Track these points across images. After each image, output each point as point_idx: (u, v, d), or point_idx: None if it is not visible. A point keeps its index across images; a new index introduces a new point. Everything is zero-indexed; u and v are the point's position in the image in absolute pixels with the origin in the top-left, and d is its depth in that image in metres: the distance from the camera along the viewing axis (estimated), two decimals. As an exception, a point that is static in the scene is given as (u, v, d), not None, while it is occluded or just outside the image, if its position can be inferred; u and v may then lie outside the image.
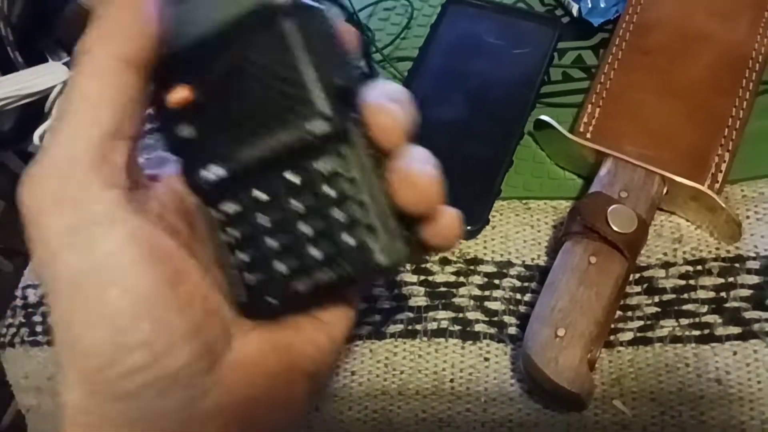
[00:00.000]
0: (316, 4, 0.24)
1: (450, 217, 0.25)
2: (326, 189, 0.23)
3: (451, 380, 0.41)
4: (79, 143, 0.22)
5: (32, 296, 0.58)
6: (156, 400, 0.22)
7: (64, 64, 1.04)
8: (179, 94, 0.24)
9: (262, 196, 0.24)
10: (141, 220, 0.22)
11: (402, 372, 0.42)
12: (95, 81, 0.22)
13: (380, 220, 0.23)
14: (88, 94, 0.22)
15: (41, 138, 0.97)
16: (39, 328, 0.56)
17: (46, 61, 1.05)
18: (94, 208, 0.21)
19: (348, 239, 0.23)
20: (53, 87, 0.99)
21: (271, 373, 0.25)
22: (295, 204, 0.24)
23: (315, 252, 0.23)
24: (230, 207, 0.25)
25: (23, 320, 0.57)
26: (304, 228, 0.23)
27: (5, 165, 1.00)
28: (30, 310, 0.58)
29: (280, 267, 0.24)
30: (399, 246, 0.23)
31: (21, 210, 0.22)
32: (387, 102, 0.24)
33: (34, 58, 1.05)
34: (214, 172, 0.24)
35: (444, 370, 0.42)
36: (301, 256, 0.24)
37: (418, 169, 0.23)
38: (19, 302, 0.59)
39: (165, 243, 0.23)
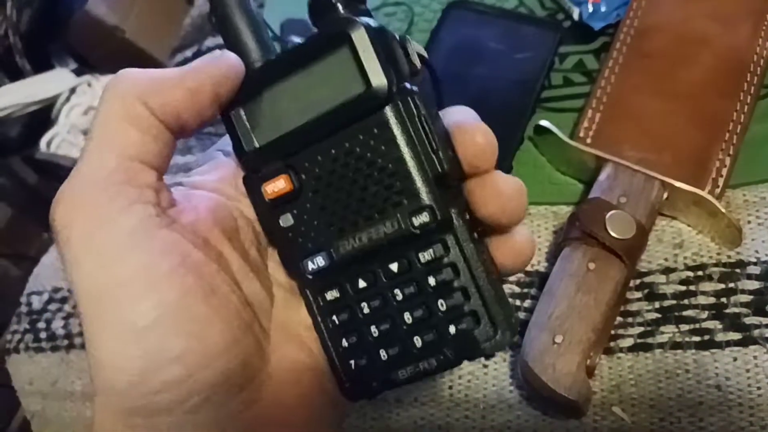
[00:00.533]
0: (414, 87, 0.23)
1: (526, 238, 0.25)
2: (429, 278, 0.23)
3: (450, 387, 0.41)
4: (104, 163, 0.22)
5: (36, 303, 0.59)
6: (188, 416, 0.21)
7: (72, 71, 1.05)
8: (278, 185, 0.24)
9: (363, 285, 0.24)
10: (171, 234, 0.22)
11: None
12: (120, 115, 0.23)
13: (484, 306, 0.23)
14: (110, 123, 0.23)
15: (48, 144, 0.98)
16: (43, 335, 0.56)
17: (53, 67, 1.06)
18: (121, 223, 0.21)
19: (451, 328, 0.23)
20: (60, 94, 1.00)
21: (304, 395, 0.25)
22: (397, 293, 0.24)
23: (417, 341, 0.24)
24: (332, 295, 0.25)
25: (28, 327, 0.58)
26: (406, 317, 0.24)
27: (13, 171, 1.01)
28: (35, 316, 0.58)
29: (382, 355, 0.24)
30: (504, 329, 0.23)
31: (53, 228, 0.22)
32: (469, 123, 0.24)
33: (42, 65, 1.06)
34: (315, 262, 0.24)
35: (443, 377, 0.42)
36: (402, 345, 0.24)
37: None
38: (24, 309, 0.59)
39: (195, 256, 0.23)
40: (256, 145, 0.25)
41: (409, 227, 0.23)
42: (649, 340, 0.40)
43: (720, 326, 0.39)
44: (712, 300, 0.40)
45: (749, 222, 0.42)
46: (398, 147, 0.23)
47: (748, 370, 0.38)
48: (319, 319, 0.25)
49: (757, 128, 0.44)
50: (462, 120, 0.24)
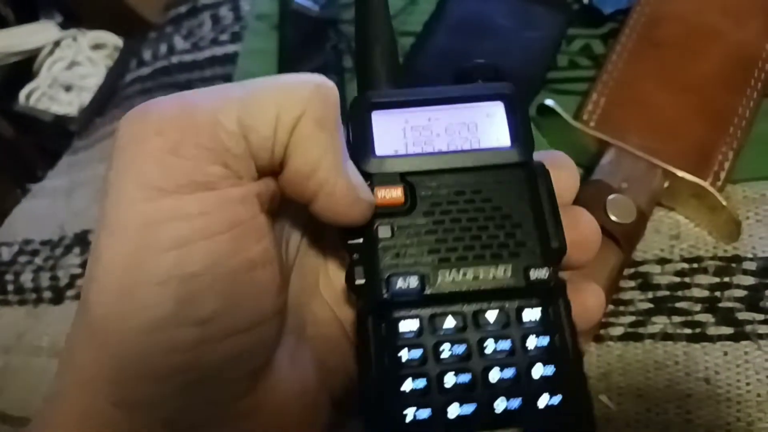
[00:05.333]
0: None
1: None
2: (529, 339, 0.21)
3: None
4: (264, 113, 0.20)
5: (6, 254, 0.56)
6: (181, 391, 0.19)
7: (58, 24, 1.01)
8: (391, 193, 0.22)
9: (450, 326, 0.21)
10: (247, 192, 0.20)
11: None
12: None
13: (573, 390, 0.21)
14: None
15: (27, 97, 0.94)
16: (10, 287, 0.54)
17: (38, 19, 1.02)
18: (205, 168, 0.19)
19: (542, 400, 0.21)
20: (43, 46, 0.96)
21: (307, 398, 0.23)
22: (488, 345, 0.21)
23: (500, 403, 0.21)
24: (408, 326, 0.21)
25: (-5, 278, 0.55)
26: (493, 374, 0.21)
27: (-11, 123, 0.97)
28: (3, 268, 0.56)
29: (451, 411, 0.20)
30: (587, 424, 0.21)
31: (131, 123, 0.19)
32: (562, 160, 0.24)
33: (27, 16, 1.02)
34: (407, 281, 0.21)
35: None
36: (481, 405, 0.21)
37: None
38: (-9, 259, 0.57)
39: (261, 223, 0.21)
40: (377, 153, 0.23)
41: (523, 279, 0.22)
42: (640, 330, 0.39)
43: (712, 320, 0.39)
44: (706, 293, 0.40)
45: (747, 218, 0.42)
46: (532, 207, 0.22)
47: (738, 365, 0.37)
48: (375, 351, 0.21)
49: (762, 125, 0.44)
50: (557, 157, 0.24)
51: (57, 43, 0.97)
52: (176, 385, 0.19)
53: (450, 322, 0.21)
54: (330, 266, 0.26)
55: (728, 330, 0.38)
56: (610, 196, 0.39)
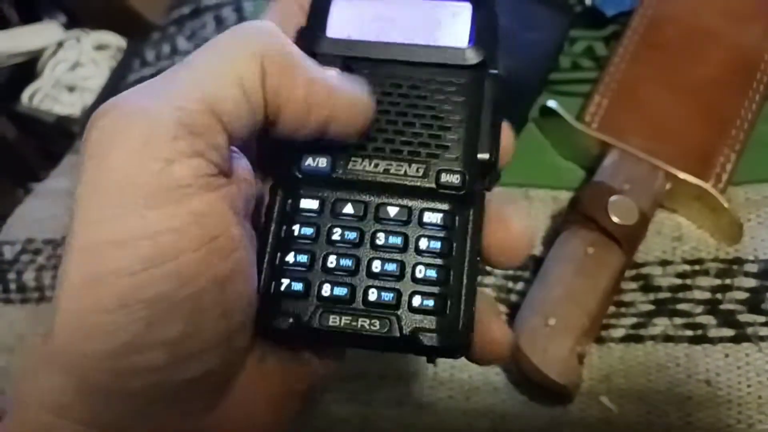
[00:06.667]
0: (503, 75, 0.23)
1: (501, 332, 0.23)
2: (421, 240, 0.21)
3: (435, 364, 0.40)
4: (189, 94, 0.19)
5: (8, 253, 0.56)
6: (145, 408, 0.19)
7: (61, 25, 1.01)
8: None
9: (349, 212, 0.22)
10: (217, 200, 0.19)
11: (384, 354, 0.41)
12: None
13: (456, 303, 0.21)
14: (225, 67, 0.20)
15: (30, 98, 0.94)
16: (13, 286, 0.54)
17: (42, 20, 1.02)
18: (169, 171, 0.18)
19: (416, 299, 0.21)
20: (46, 47, 0.97)
21: (271, 397, 0.22)
22: (380, 237, 0.21)
23: (372, 293, 0.21)
24: (309, 204, 0.22)
25: (-3, 277, 0.55)
26: (375, 265, 0.21)
27: (-8, 125, 0.98)
28: (5, 267, 0.56)
29: (324, 289, 0.21)
30: (458, 336, 0.21)
31: (86, 138, 0.19)
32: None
33: (30, 16, 1.03)
34: (316, 161, 0.22)
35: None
36: (353, 290, 0.21)
37: (519, 230, 0.23)
38: (-6, 258, 0.57)
39: (233, 233, 0.19)
40: (327, 34, 0.23)
41: (433, 181, 0.22)
42: (642, 332, 0.39)
43: (714, 322, 0.39)
44: (707, 295, 0.40)
45: (749, 220, 0.42)
46: (467, 110, 0.22)
47: (738, 368, 0.37)
48: (274, 222, 0.22)
49: (764, 127, 0.44)
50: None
51: (60, 44, 0.97)
52: (143, 404, 0.19)
53: (350, 209, 0.22)
54: None
55: (729, 332, 0.38)
56: (612, 198, 0.39)
